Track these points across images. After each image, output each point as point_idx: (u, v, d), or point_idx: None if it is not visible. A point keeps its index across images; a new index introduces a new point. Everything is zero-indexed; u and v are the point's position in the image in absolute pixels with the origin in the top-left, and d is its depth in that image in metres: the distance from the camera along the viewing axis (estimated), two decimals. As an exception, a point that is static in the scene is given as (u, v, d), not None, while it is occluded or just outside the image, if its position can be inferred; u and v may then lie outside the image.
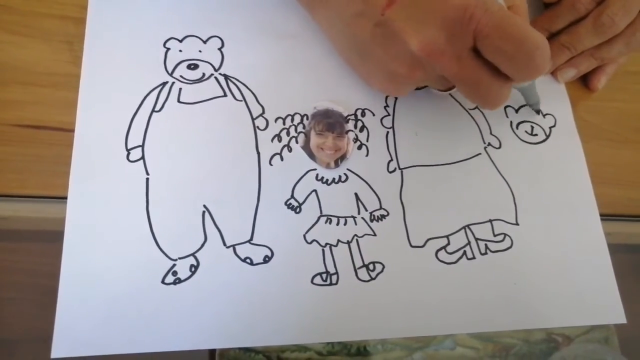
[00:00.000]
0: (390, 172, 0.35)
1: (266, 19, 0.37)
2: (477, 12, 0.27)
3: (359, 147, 0.35)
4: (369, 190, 0.34)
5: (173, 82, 0.34)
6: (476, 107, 0.38)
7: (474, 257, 0.34)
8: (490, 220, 0.35)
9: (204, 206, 0.32)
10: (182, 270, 0.30)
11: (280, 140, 0.34)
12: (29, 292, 0.31)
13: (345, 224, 0.33)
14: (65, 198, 0.30)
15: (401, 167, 0.35)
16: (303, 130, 0.35)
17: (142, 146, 0.32)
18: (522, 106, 0.39)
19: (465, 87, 0.30)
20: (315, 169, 0.34)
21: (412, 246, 0.33)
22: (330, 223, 0.33)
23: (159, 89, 0.34)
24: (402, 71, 0.31)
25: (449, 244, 0.34)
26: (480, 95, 0.30)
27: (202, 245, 0.31)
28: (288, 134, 0.34)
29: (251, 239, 0.32)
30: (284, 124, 0.35)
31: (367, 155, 0.35)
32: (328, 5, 0.33)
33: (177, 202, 0.32)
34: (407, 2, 0.28)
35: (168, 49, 0.35)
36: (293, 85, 0.35)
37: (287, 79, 0.36)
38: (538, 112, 0.38)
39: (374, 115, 0.36)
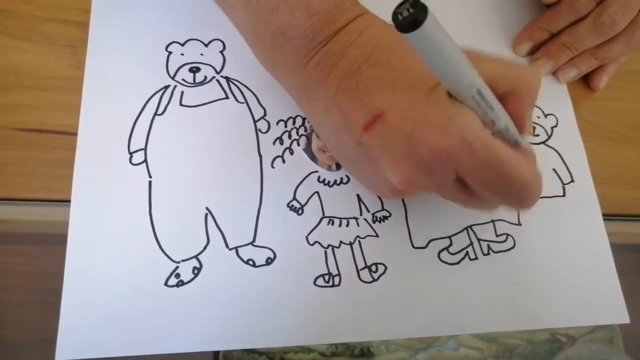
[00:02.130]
0: (392, 173, 0.35)
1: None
2: (456, 152, 0.24)
3: (361, 149, 0.35)
4: (371, 192, 0.34)
5: (175, 86, 0.34)
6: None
7: (476, 258, 0.34)
8: (493, 221, 0.35)
9: (207, 208, 0.32)
10: (185, 272, 0.30)
11: (282, 142, 0.34)
12: (32, 295, 0.31)
13: (347, 225, 0.33)
14: (69, 201, 0.31)
15: (403, 168, 0.35)
16: (304, 133, 0.35)
17: (145, 149, 0.32)
18: (523, 106, 0.39)
19: (453, 202, 0.29)
20: (317, 171, 0.34)
21: (414, 247, 0.33)
22: (332, 224, 0.33)
23: (161, 92, 0.34)
24: (387, 192, 0.30)
25: (451, 244, 0.34)
26: (468, 208, 0.30)
27: (205, 247, 0.31)
28: (290, 136, 0.35)
29: (254, 241, 0.32)
30: (285, 126, 0.35)
31: (368, 156, 0.35)
32: (310, 105, 0.30)
33: (179, 204, 0.32)
34: (384, 131, 0.26)
35: (170, 52, 0.35)
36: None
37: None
38: None
39: (375, 116, 0.36)
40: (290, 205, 0.33)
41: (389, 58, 0.27)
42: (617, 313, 0.34)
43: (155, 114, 0.33)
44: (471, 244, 0.34)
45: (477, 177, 0.25)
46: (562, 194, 0.37)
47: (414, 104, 0.25)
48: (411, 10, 0.19)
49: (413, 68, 0.27)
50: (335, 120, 0.28)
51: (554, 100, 0.39)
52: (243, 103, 0.35)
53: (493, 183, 0.25)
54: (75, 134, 0.32)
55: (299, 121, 0.35)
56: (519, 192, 0.26)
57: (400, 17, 0.19)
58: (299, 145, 0.34)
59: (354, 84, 0.27)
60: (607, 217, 0.36)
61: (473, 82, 0.24)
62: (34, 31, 0.34)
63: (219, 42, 0.36)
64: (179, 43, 0.35)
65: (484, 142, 0.24)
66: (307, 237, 0.32)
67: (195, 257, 0.31)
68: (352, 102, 0.27)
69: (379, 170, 0.28)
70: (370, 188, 0.33)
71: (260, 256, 0.31)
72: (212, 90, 0.35)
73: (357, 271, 0.32)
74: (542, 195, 0.35)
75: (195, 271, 0.31)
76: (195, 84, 0.35)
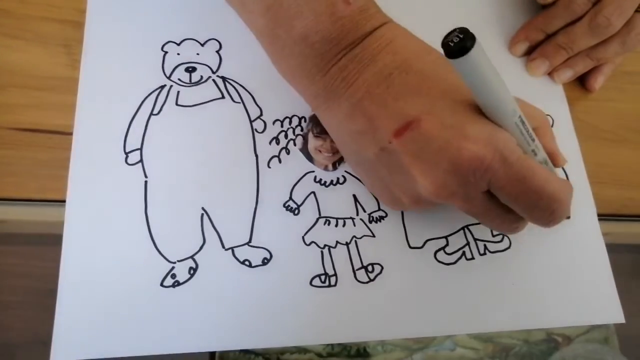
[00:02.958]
0: (389, 174, 0.35)
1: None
2: (494, 164, 0.24)
3: (357, 149, 0.35)
4: (367, 192, 0.34)
5: (171, 85, 0.34)
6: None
7: (472, 258, 0.34)
8: (489, 221, 0.35)
9: (203, 209, 0.32)
10: (181, 272, 0.30)
11: (278, 142, 0.34)
12: (27, 296, 0.31)
13: (344, 225, 0.33)
14: (64, 201, 0.30)
15: (399, 168, 0.35)
16: (301, 133, 0.35)
17: (141, 149, 0.32)
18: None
19: (476, 218, 0.29)
20: (313, 171, 0.34)
21: (410, 247, 0.33)
22: (328, 225, 0.33)
23: (157, 92, 0.34)
24: (405, 201, 0.29)
25: (447, 244, 0.34)
26: (492, 227, 0.30)
27: (201, 247, 0.31)
28: (286, 136, 0.35)
29: (250, 241, 0.32)
30: (282, 126, 0.35)
31: (365, 156, 0.35)
32: (329, 111, 0.30)
33: (175, 204, 0.32)
34: (419, 137, 0.25)
35: (166, 52, 0.35)
36: (291, 87, 0.35)
37: (286, 81, 0.36)
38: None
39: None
40: (286, 205, 0.33)
41: (422, 67, 0.27)
42: (612, 313, 0.34)
43: (151, 113, 0.33)
44: (467, 244, 0.34)
45: (510, 190, 0.25)
46: (558, 194, 0.37)
47: (450, 112, 0.25)
48: (461, 37, 0.21)
49: (446, 78, 0.27)
50: (358, 125, 0.28)
51: (549, 101, 0.40)
52: (239, 103, 0.35)
53: (525, 196, 0.25)
54: (71, 134, 0.32)
55: (295, 121, 0.35)
56: (549, 205, 0.26)
57: (450, 45, 0.21)
58: (295, 145, 0.34)
59: (384, 89, 0.27)
60: (603, 217, 0.36)
61: (516, 109, 0.25)
62: (28, 30, 0.34)
63: (215, 41, 0.36)
64: (174, 43, 0.35)
65: (519, 157, 0.25)
66: (303, 237, 0.32)
67: (191, 257, 0.31)
68: (381, 108, 0.27)
69: (402, 178, 0.28)
70: (385, 196, 0.32)
71: (256, 256, 0.31)
72: (208, 90, 0.35)
73: (354, 271, 0.32)
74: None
75: (191, 271, 0.30)
76: (191, 83, 0.34)
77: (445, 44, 0.21)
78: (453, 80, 0.26)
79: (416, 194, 0.28)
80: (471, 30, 0.21)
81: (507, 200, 0.26)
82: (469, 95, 0.26)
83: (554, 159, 0.29)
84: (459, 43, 0.21)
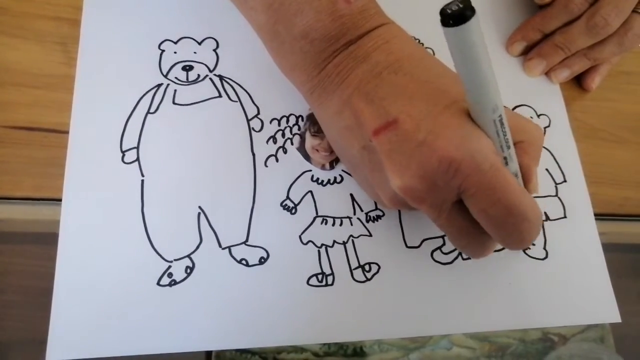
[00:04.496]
0: (386, 173, 0.35)
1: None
2: (464, 168, 0.24)
3: (355, 148, 0.35)
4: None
5: (168, 84, 0.34)
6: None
7: (469, 258, 0.34)
8: (486, 220, 0.35)
9: (199, 207, 0.32)
10: (178, 271, 0.30)
11: (275, 141, 0.34)
12: (23, 295, 0.31)
13: (341, 224, 0.33)
14: (60, 200, 0.30)
15: (396, 167, 0.35)
16: (298, 132, 0.35)
17: (137, 148, 0.32)
18: (517, 106, 0.39)
19: (445, 233, 0.28)
20: (310, 170, 0.34)
21: (407, 246, 0.33)
22: (326, 224, 0.33)
23: (153, 90, 0.34)
24: (384, 200, 0.29)
25: (444, 244, 0.34)
26: (459, 245, 0.29)
27: (198, 246, 0.31)
28: (283, 135, 0.34)
29: (247, 240, 0.32)
30: (279, 125, 0.35)
31: (362, 156, 0.35)
32: (322, 107, 0.30)
33: (172, 203, 0.31)
34: (395, 138, 0.25)
35: (163, 50, 0.35)
36: (288, 86, 0.35)
37: (283, 79, 0.36)
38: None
39: (369, 116, 0.36)
40: (283, 204, 0.33)
41: (413, 69, 0.27)
42: (608, 312, 0.34)
43: (148, 112, 0.33)
44: (464, 243, 0.34)
45: (479, 199, 0.25)
46: (554, 193, 0.37)
47: (430, 115, 0.25)
48: (460, 6, 0.20)
49: (435, 82, 0.26)
50: (346, 121, 0.28)
51: (546, 101, 0.40)
52: (236, 101, 0.35)
53: (494, 208, 0.24)
54: (67, 132, 0.32)
55: (292, 120, 0.35)
56: (518, 224, 0.25)
57: (448, 11, 0.20)
58: (292, 144, 0.34)
59: (372, 87, 0.27)
60: (599, 216, 0.37)
61: (498, 106, 0.24)
62: (24, 28, 0.34)
63: (212, 40, 0.36)
64: (171, 41, 0.35)
65: (493, 165, 0.24)
66: (300, 237, 0.32)
67: (188, 256, 0.31)
68: (367, 105, 0.27)
69: (380, 177, 0.28)
70: (370, 194, 0.33)
71: (253, 255, 0.31)
72: (205, 89, 0.34)
73: (351, 271, 0.32)
74: (535, 195, 0.36)
75: (188, 270, 0.30)
76: (188, 82, 0.34)
77: (442, 10, 0.20)
78: (442, 85, 0.26)
79: (393, 194, 0.28)
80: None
81: (476, 212, 0.25)
82: (456, 102, 0.25)
83: (527, 180, 0.28)
84: (457, 11, 0.20)
